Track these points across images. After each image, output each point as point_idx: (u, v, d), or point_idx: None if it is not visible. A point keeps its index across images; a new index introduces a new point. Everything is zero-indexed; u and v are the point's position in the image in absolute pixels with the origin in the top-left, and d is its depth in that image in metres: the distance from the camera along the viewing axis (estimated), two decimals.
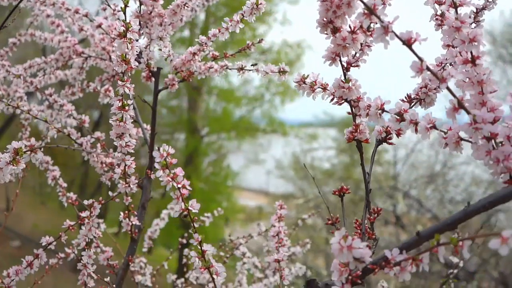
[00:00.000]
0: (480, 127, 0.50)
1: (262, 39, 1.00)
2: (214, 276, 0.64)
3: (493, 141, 0.52)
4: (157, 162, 0.61)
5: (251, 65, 0.96)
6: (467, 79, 0.54)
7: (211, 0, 1.12)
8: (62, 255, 1.12)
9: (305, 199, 7.68)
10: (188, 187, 0.63)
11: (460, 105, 0.51)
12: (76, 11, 1.11)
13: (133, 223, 0.97)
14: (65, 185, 1.10)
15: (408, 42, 0.50)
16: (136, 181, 0.91)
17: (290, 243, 1.58)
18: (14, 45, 1.33)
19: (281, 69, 0.85)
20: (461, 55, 0.55)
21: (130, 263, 0.99)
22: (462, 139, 0.54)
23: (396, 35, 0.50)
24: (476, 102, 0.54)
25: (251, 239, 1.35)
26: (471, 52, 0.53)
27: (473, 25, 0.72)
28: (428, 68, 0.50)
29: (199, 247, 0.65)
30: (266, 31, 11.56)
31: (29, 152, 0.66)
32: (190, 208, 0.63)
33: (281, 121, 11.50)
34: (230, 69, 0.97)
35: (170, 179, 0.61)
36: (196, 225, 1.29)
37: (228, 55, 0.98)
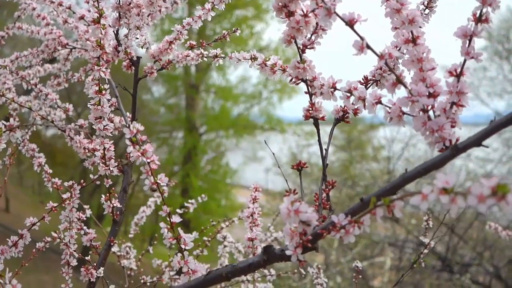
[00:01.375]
0: (416, 100, 0.55)
1: (237, 29, 1.04)
2: (182, 246, 0.69)
3: (431, 113, 0.57)
4: (127, 138, 0.65)
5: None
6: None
7: None
8: (49, 238, 1.16)
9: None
10: (157, 162, 0.67)
11: (398, 80, 0.56)
12: (60, 4, 1.15)
13: (115, 205, 1.01)
14: (50, 171, 1.14)
15: (350, 23, 0.55)
16: (116, 164, 0.95)
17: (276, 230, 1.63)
18: (3, 38, 1.37)
19: (253, 56, 0.90)
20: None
21: (112, 244, 1.04)
22: (404, 113, 0.58)
23: (339, 16, 0.54)
24: (417, 78, 0.58)
25: (232, 223, 1.40)
26: (412, 32, 0.58)
27: (427, 10, 0.76)
28: (368, 46, 0.55)
29: (168, 219, 0.69)
30: (263, 28, 11.61)
31: (8, 132, 0.70)
32: (158, 181, 0.67)
33: (279, 118, 11.56)
34: (205, 57, 1.01)
35: (140, 154, 0.66)
36: (185, 213, 1.31)
37: (205, 44, 1.02)
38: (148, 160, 0.66)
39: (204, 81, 12.02)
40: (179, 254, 0.69)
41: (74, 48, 1.24)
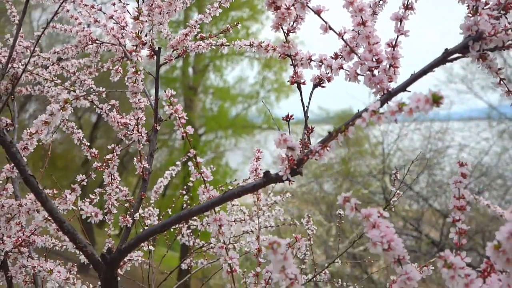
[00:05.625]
0: (363, 63, 0.80)
1: (238, 23, 1.30)
2: (205, 178, 0.95)
3: (377, 72, 0.83)
4: (164, 100, 0.91)
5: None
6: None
7: None
8: (88, 199, 1.41)
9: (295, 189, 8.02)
10: (185, 117, 0.93)
11: (351, 50, 0.82)
12: (92, 6, 1.40)
13: (144, 166, 1.27)
14: (88, 143, 1.40)
15: (318, 12, 0.81)
16: (146, 131, 1.21)
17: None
18: (39, 37, 1.63)
19: (251, 43, 1.15)
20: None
21: (142, 198, 1.29)
22: (358, 73, 0.84)
23: (310, 8, 0.80)
24: (366, 50, 0.84)
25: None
26: (362, 17, 0.84)
27: (381, 2, 1.02)
28: (330, 28, 0.80)
29: (195, 160, 0.95)
30: (259, 29, 11.88)
31: (75, 100, 0.96)
32: (187, 131, 0.93)
33: (277, 117, 11.80)
34: (213, 46, 1.27)
35: (173, 112, 0.92)
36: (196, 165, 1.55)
37: (212, 35, 1.28)
38: (179, 116, 0.92)
39: (202, 82, 12.27)
40: (203, 185, 0.95)
41: (103, 42, 1.49)
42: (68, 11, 1.52)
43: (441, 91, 0.58)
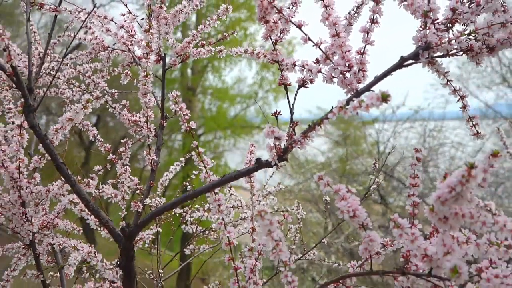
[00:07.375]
0: (336, 67, 0.98)
1: (234, 31, 1.47)
2: (206, 165, 1.12)
3: (347, 74, 1.00)
4: (170, 100, 1.08)
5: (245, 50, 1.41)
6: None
7: (200, 3, 1.59)
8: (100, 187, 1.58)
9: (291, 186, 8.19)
10: (189, 114, 1.10)
11: (327, 57, 0.99)
12: (105, 17, 1.58)
13: (153, 158, 1.44)
14: (102, 140, 1.57)
15: (299, 26, 0.98)
16: (155, 127, 1.38)
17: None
18: (55, 44, 1.80)
19: (245, 50, 1.33)
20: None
21: (151, 186, 1.46)
22: (333, 76, 1.01)
23: (292, 23, 0.98)
24: (340, 56, 1.01)
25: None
26: (335, 30, 1.01)
27: (356, 14, 1.19)
28: (309, 38, 0.98)
29: (197, 150, 1.12)
30: (257, 30, 12.05)
31: (96, 99, 1.13)
32: (190, 125, 1.10)
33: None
34: (213, 52, 1.44)
35: (178, 110, 1.09)
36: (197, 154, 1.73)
37: (212, 43, 1.46)
38: (183, 113, 1.09)
39: (201, 83, 12.44)
40: (204, 171, 1.12)
41: (114, 49, 1.66)
42: (83, 21, 1.69)
43: (388, 90, 0.75)
